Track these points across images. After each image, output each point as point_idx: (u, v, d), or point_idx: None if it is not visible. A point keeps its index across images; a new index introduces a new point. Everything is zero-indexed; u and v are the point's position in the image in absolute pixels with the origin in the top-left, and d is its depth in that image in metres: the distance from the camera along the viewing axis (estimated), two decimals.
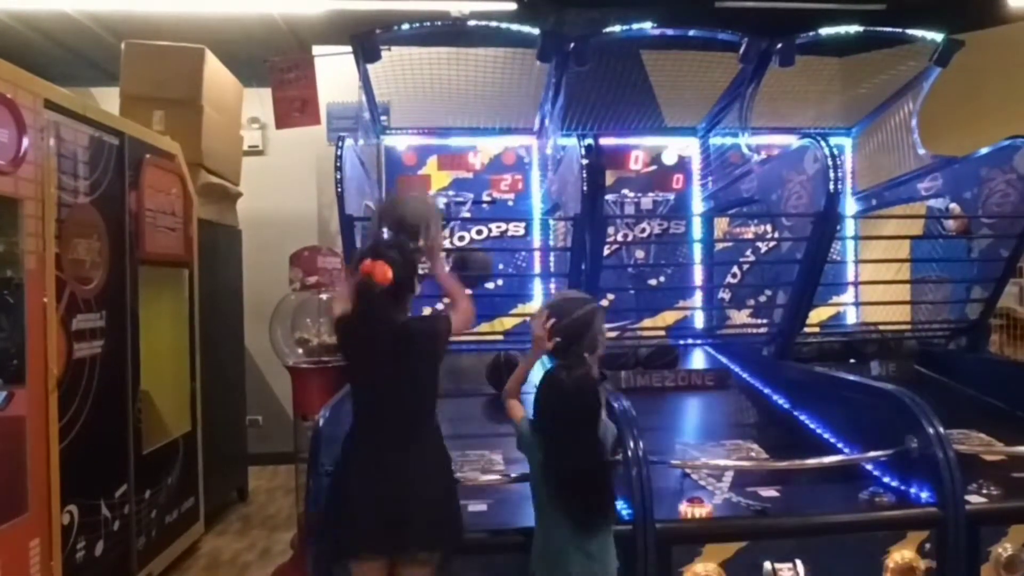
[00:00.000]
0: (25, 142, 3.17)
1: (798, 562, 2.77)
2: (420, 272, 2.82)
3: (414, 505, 2.51)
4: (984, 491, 3.00)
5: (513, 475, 2.98)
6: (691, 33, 4.79)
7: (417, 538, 2.51)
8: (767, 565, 2.76)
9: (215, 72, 5.51)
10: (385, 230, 2.98)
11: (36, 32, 6.07)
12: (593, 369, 2.68)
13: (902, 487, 3.07)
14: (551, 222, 5.28)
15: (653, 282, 5.46)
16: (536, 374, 2.78)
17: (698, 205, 5.73)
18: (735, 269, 5.64)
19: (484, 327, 4.87)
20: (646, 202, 5.71)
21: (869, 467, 3.27)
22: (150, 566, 4.34)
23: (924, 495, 2.97)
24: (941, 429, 2.99)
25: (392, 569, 2.54)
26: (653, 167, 5.74)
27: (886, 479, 3.17)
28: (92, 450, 3.73)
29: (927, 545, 2.85)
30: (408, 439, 2.57)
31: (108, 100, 5.48)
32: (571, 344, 2.69)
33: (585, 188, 3.71)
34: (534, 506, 2.64)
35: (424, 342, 2.62)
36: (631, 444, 2.86)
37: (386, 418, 2.58)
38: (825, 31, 4.81)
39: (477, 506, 2.96)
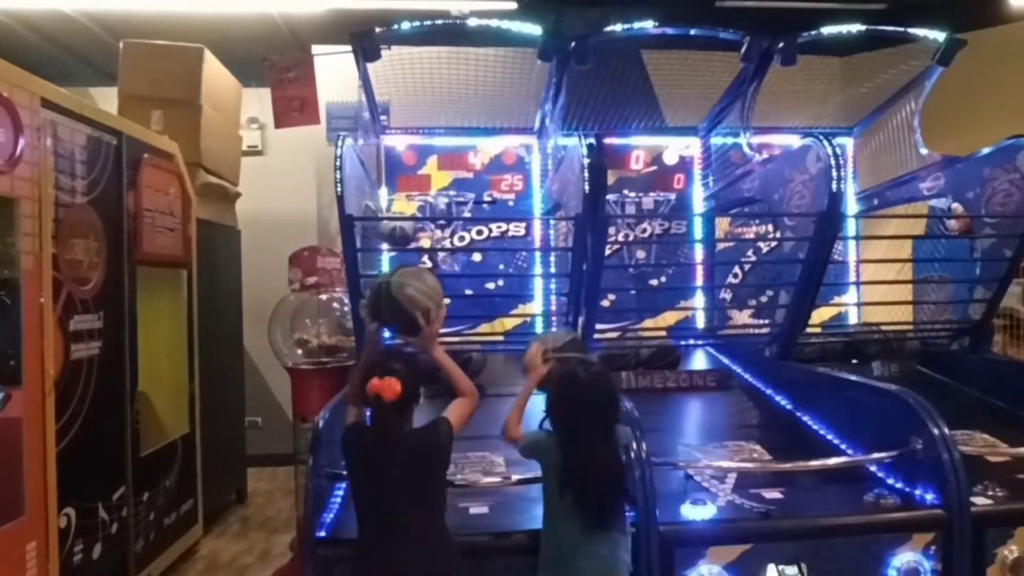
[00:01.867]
0: (22, 141, 3.14)
1: (802, 565, 2.75)
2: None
3: None
4: (989, 492, 2.98)
5: (515, 477, 2.96)
6: (692, 32, 4.76)
7: None
8: (771, 568, 2.74)
9: (214, 72, 5.49)
10: (377, 324, 2.88)
11: (34, 32, 6.04)
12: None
13: (906, 489, 3.05)
14: (551, 222, 5.26)
15: (654, 282, 5.44)
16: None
17: (699, 205, 5.71)
18: (736, 269, 5.62)
19: (484, 328, 4.85)
20: (647, 202, 5.69)
21: (873, 468, 3.25)
22: (148, 568, 4.31)
23: (929, 497, 2.95)
24: (946, 430, 2.98)
25: None
26: (654, 167, 5.72)
27: (890, 480, 3.15)
28: (90, 452, 3.70)
29: (932, 547, 2.83)
30: (419, 548, 2.49)
31: (106, 100, 5.46)
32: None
33: (587, 187, 3.68)
34: (544, 510, 2.63)
35: (427, 458, 2.56)
36: (634, 445, 2.84)
37: (394, 531, 2.49)
38: (827, 30, 4.79)
39: (478, 508, 2.94)
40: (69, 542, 3.51)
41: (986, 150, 4.48)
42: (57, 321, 3.45)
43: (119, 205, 4.12)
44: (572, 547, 2.51)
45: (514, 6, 5.29)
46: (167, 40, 5.30)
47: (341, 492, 3.06)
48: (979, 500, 2.94)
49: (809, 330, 4.50)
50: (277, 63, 5.45)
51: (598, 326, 4.16)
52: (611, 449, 2.61)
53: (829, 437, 3.62)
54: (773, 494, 3.05)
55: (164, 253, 4.64)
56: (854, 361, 4.62)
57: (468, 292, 4.86)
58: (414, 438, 2.57)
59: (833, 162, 3.92)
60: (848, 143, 5.76)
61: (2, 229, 3.21)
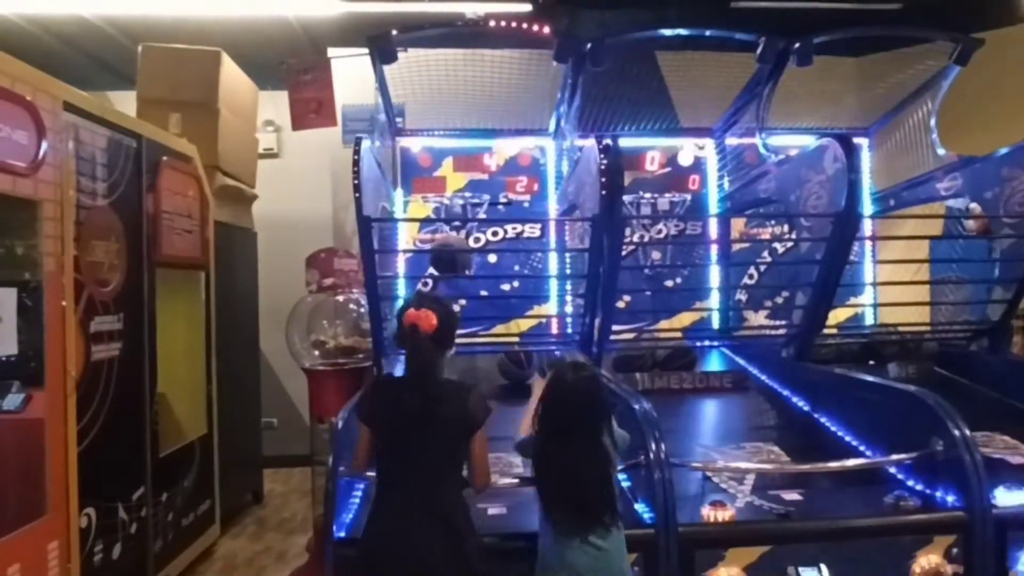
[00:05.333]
0: (44, 145, 3.17)
1: (823, 567, 2.74)
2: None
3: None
4: (1011, 494, 2.96)
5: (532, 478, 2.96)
6: (708, 33, 4.77)
7: None
8: (791, 570, 2.73)
9: (231, 75, 5.52)
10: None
11: (53, 36, 6.10)
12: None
13: (927, 491, 3.04)
14: (567, 223, 5.26)
15: (670, 283, 5.44)
16: None
17: (714, 206, 5.70)
18: (752, 270, 5.61)
19: (500, 328, 4.86)
20: (662, 203, 5.69)
21: (892, 470, 3.23)
22: (167, 569, 4.33)
23: (950, 499, 2.94)
24: (967, 431, 2.96)
25: None
26: (669, 168, 5.72)
27: (910, 482, 3.14)
28: (110, 453, 3.73)
29: (954, 550, 2.82)
30: (433, 504, 2.50)
31: (124, 104, 5.48)
32: None
33: (604, 188, 3.68)
34: (540, 508, 2.59)
35: (457, 418, 2.56)
36: (653, 447, 2.84)
37: (412, 481, 2.51)
38: (843, 31, 4.77)
39: (496, 509, 2.95)
40: (90, 542, 3.54)
41: (1004, 150, 4.45)
42: (79, 322, 3.48)
43: (139, 207, 4.15)
44: (562, 546, 2.48)
45: (529, 8, 5.30)
46: (185, 44, 5.34)
47: (359, 493, 3.07)
48: (1001, 502, 2.91)
49: (825, 331, 4.48)
50: (294, 66, 5.49)
51: (614, 327, 4.16)
52: (590, 453, 2.54)
53: (847, 439, 3.61)
54: (792, 496, 3.05)
55: (182, 255, 4.67)
56: (871, 362, 4.60)
57: (484, 293, 4.87)
58: (447, 391, 2.58)
59: (851, 163, 3.91)
60: (864, 143, 5.73)
61: (25, 231, 3.24)
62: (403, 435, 2.54)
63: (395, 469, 2.55)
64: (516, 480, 2.99)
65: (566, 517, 2.48)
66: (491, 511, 2.94)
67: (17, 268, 3.30)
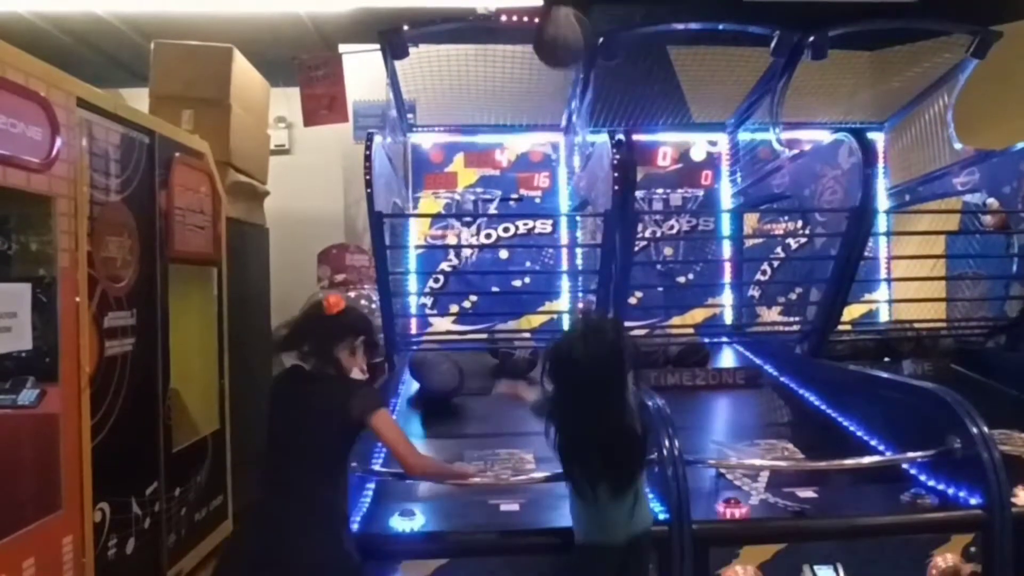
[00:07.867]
0: (58, 141, 3.17)
1: (838, 565, 2.72)
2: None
3: None
4: None
5: (544, 475, 2.94)
6: (721, 27, 4.73)
7: None
8: (806, 568, 2.71)
9: (243, 71, 5.52)
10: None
11: (66, 33, 6.12)
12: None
13: (944, 489, 3.00)
14: (578, 219, 5.24)
15: (682, 279, 5.41)
16: None
17: (727, 201, 5.67)
18: (765, 266, 5.58)
19: (511, 324, 4.85)
20: (675, 198, 5.66)
21: (909, 468, 3.20)
22: (180, 563, 4.34)
23: (968, 497, 2.90)
24: (986, 429, 2.93)
25: None
26: (681, 163, 5.69)
27: (927, 480, 3.10)
28: (123, 448, 3.73)
29: (972, 548, 2.78)
30: (304, 498, 2.45)
31: (136, 101, 5.48)
32: None
33: (616, 184, 3.66)
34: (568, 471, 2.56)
35: (334, 416, 2.48)
36: (666, 443, 2.82)
37: (284, 481, 2.49)
38: (859, 24, 4.72)
39: (509, 506, 2.93)
40: (104, 536, 3.54)
41: (1022, 144, 4.40)
42: (92, 318, 3.47)
43: (151, 203, 4.14)
44: (601, 503, 2.47)
45: (540, 3, 5.27)
46: (197, 40, 5.35)
47: (371, 488, 3.07)
48: (1020, 500, 2.88)
49: (840, 327, 4.45)
50: (306, 62, 5.47)
51: (626, 323, 4.14)
52: (616, 412, 2.47)
53: (862, 436, 3.58)
54: (807, 493, 3.02)
55: (195, 251, 4.67)
56: (886, 359, 4.56)
57: (495, 289, 4.86)
58: (333, 386, 2.54)
59: (866, 157, 3.87)
60: (879, 138, 5.68)
61: (39, 227, 3.25)
62: (283, 427, 2.56)
63: (273, 461, 2.58)
64: (528, 477, 3.00)
65: (602, 476, 2.45)
66: (503, 507, 2.93)
67: (31, 264, 3.32)
